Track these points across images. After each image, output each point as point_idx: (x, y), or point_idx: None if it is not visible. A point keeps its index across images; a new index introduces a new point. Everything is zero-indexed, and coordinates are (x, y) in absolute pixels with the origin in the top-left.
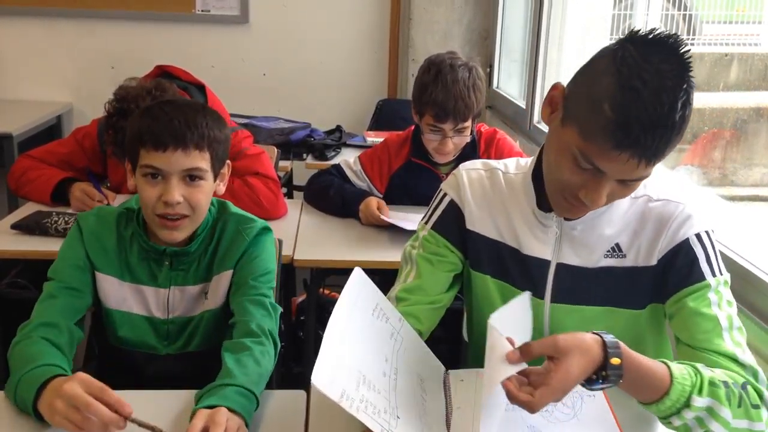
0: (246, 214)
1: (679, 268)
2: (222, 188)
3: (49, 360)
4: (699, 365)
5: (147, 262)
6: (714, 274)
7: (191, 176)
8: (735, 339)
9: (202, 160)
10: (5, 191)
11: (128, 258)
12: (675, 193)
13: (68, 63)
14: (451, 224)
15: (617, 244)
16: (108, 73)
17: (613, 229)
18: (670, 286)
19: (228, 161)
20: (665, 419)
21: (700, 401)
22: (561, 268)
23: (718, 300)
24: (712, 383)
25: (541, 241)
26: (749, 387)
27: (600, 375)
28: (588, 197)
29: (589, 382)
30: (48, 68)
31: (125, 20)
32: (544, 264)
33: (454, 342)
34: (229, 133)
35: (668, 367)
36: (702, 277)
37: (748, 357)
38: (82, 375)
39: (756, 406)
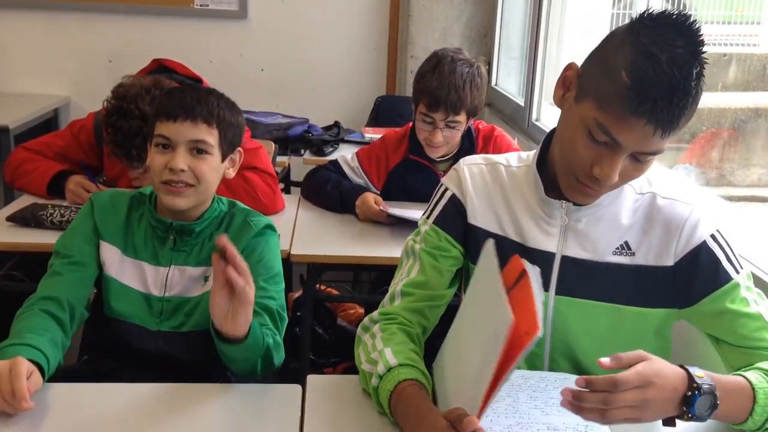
0: (253, 210)
1: (703, 272)
2: (232, 173)
3: (31, 341)
4: (760, 365)
5: (152, 240)
6: (737, 271)
7: (198, 149)
8: None
9: (209, 135)
10: (1, 183)
11: (134, 235)
12: (681, 192)
13: (66, 56)
14: (453, 219)
15: (626, 242)
16: (106, 67)
17: (619, 224)
18: (696, 291)
19: (240, 149)
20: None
21: None
22: (566, 260)
23: (754, 297)
24: None
25: (545, 233)
26: None
27: (692, 389)
28: (602, 172)
29: (687, 403)
30: (46, 62)
31: (124, 14)
32: (549, 256)
33: None
34: (243, 122)
35: (741, 375)
36: (728, 277)
37: None
38: (17, 359)
39: None
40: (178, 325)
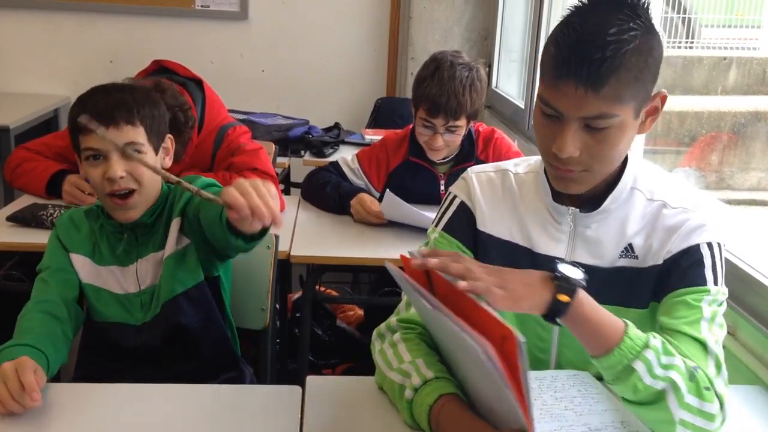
0: (199, 176)
1: (683, 269)
2: (168, 162)
3: (31, 341)
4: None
5: (115, 245)
6: (716, 283)
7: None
8: (713, 330)
9: (136, 135)
10: (2, 183)
11: (100, 244)
12: (694, 202)
13: (67, 57)
14: (462, 226)
15: (630, 245)
16: (106, 67)
17: (627, 230)
18: (670, 284)
19: (169, 135)
20: (615, 382)
21: (653, 356)
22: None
23: (711, 304)
24: (667, 351)
25: (554, 239)
26: (700, 371)
27: (552, 265)
28: (556, 146)
29: (554, 275)
30: (46, 61)
31: (125, 14)
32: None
33: None
34: (164, 109)
35: (626, 323)
36: (704, 282)
37: (718, 350)
38: (23, 358)
39: (707, 388)
40: (159, 314)
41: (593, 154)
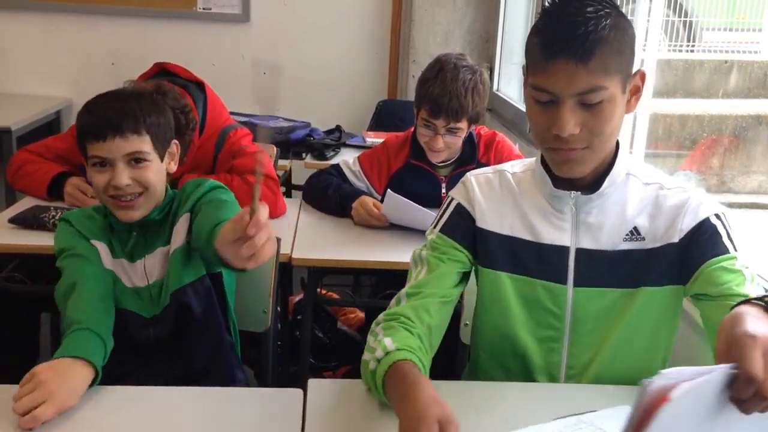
0: (205, 178)
1: (703, 243)
2: (173, 167)
3: (96, 327)
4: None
5: (124, 241)
6: (736, 249)
7: (136, 159)
8: (757, 290)
9: (142, 144)
10: (3, 185)
11: (111, 238)
12: (685, 185)
13: (68, 58)
14: (459, 226)
15: (635, 228)
16: (108, 69)
17: (627, 212)
18: (694, 260)
19: (175, 141)
20: None
21: None
22: (581, 252)
23: (744, 267)
24: None
25: (557, 228)
26: None
27: None
28: (557, 127)
29: None
30: (48, 63)
31: (126, 16)
32: (564, 250)
33: (450, 345)
34: (169, 115)
35: None
36: (726, 250)
37: None
38: (61, 402)
39: None
40: (169, 304)
41: (592, 128)
